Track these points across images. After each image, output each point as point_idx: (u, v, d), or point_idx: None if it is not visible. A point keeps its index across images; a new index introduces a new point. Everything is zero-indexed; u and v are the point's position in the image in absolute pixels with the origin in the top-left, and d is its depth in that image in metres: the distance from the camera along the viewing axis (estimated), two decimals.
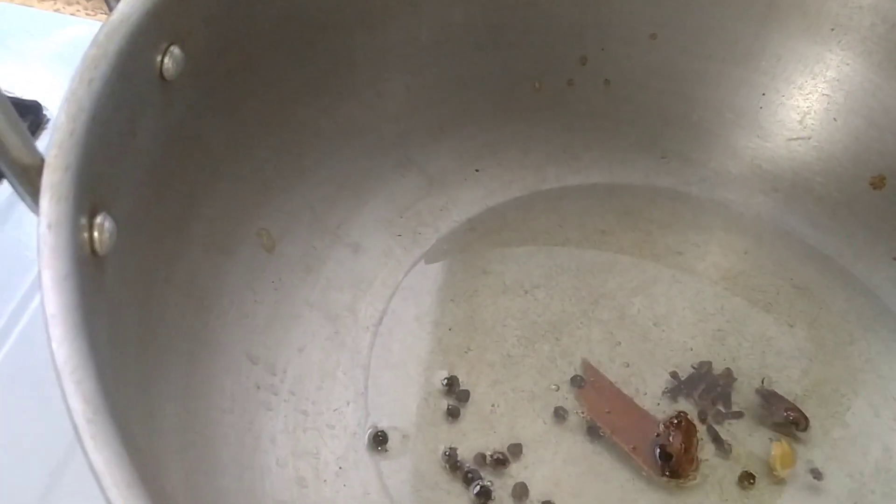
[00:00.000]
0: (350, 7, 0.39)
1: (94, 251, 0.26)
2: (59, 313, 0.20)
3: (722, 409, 0.38)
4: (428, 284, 0.41)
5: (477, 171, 0.45)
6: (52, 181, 0.23)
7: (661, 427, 0.36)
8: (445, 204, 0.43)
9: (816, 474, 0.36)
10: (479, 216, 0.44)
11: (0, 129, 0.23)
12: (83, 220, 0.25)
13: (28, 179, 0.23)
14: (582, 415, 0.37)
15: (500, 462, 0.35)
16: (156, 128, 0.31)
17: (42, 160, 0.24)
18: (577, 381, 0.38)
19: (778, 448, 0.37)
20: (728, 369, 0.39)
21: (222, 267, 0.35)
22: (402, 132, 0.43)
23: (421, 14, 0.41)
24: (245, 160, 0.36)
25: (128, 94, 0.29)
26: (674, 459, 0.35)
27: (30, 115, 0.46)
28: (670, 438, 0.36)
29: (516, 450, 0.36)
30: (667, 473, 0.35)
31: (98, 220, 0.26)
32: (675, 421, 0.36)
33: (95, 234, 0.25)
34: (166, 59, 0.30)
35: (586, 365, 0.39)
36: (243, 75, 0.35)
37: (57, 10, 0.57)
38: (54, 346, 0.20)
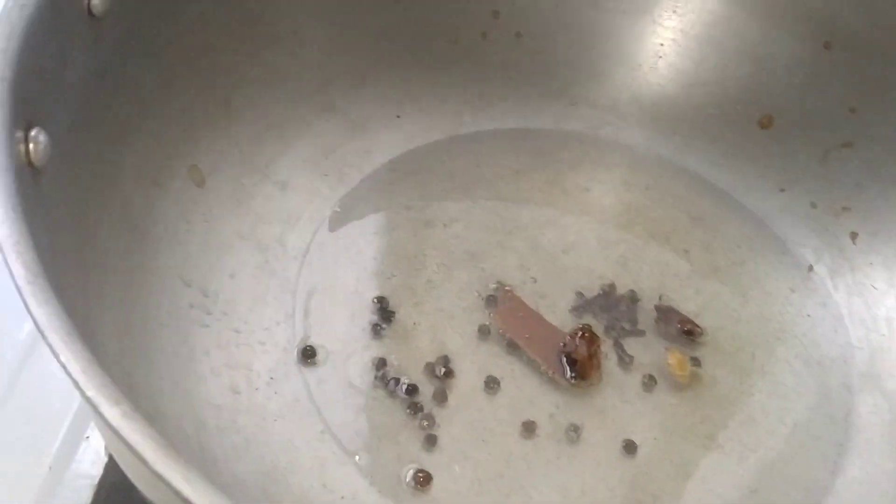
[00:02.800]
0: None
1: (30, 162, 0.28)
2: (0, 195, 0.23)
3: (626, 326, 0.42)
4: (352, 220, 0.43)
5: (398, 117, 0.47)
6: None
7: (567, 338, 0.40)
8: (368, 147, 0.46)
9: (696, 362, 0.40)
10: (400, 158, 0.46)
11: None
12: (19, 134, 0.27)
13: None
14: (500, 332, 0.40)
15: (447, 374, 0.38)
16: (86, 61, 0.33)
17: None
18: (492, 301, 0.41)
19: (672, 356, 0.40)
20: (632, 290, 0.43)
21: (155, 198, 0.37)
22: (325, 79, 0.45)
23: None
24: (173, 100, 0.39)
25: (58, 24, 0.31)
26: (578, 364, 0.39)
27: None
28: (576, 347, 0.39)
29: (444, 360, 0.39)
30: (572, 377, 0.38)
31: (33, 133, 0.28)
32: (580, 332, 0.40)
33: (31, 146, 0.27)
34: None
35: (501, 287, 0.42)
36: (168, 18, 0.38)
37: None
38: None
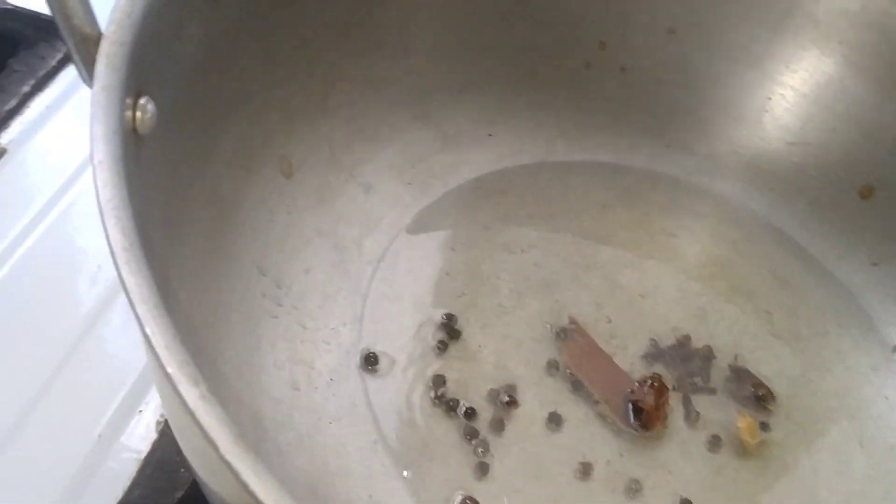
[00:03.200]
0: None
1: (135, 129, 0.28)
2: (106, 160, 0.23)
3: (698, 382, 0.40)
4: (431, 231, 0.43)
5: (490, 135, 0.47)
6: (109, 52, 0.25)
7: (636, 385, 0.38)
8: (456, 162, 0.46)
9: (766, 427, 0.39)
10: (486, 177, 0.46)
11: None
12: (128, 100, 0.27)
13: (85, 48, 0.26)
14: (567, 370, 0.39)
15: (510, 403, 0.37)
16: (200, 37, 0.33)
17: (100, 33, 0.26)
18: (561, 335, 0.40)
19: (743, 420, 0.39)
20: (707, 346, 0.41)
21: (243, 182, 0.37)
22: (423, 89, 0.45)
23: None
24: (274, 89, 0.39)
25: None
26: (644, 413, 0.37)
27: None
28: (644, 395, 0.38)
29: (511, 389, 0.38)
30: (636, 425, 0.37)
31: (142, 101, 0.28)
32: (650, 381, 0.38)
33: (138, 113, 0.27)
34: None
35: (572, 321, 0.41)
36: (283, 5, 0.38)
37: None
38: (99, 185, 0.22)
